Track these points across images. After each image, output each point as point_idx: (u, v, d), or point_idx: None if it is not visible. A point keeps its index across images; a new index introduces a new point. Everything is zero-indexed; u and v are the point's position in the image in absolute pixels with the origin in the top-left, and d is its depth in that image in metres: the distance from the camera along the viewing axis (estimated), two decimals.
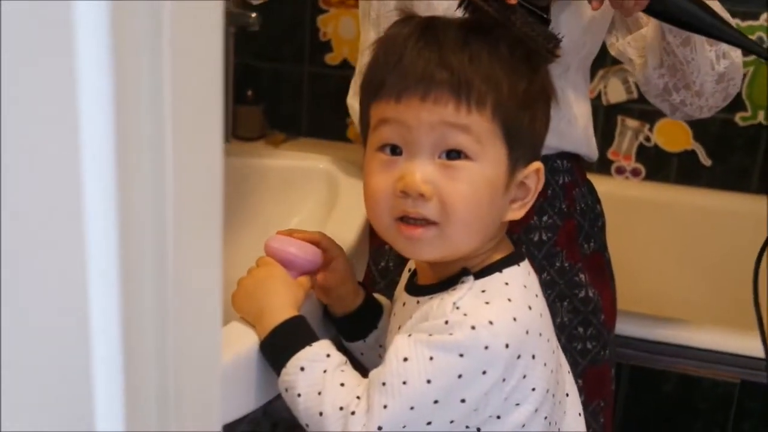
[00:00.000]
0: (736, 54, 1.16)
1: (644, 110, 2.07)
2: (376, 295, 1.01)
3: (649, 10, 1.04)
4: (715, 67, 1.13)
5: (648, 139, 2.12)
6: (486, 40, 0.83)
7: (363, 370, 0.96)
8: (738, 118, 2.04)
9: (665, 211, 2.09)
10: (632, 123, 2.12)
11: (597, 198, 1.26)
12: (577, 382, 0.96)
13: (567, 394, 0.91)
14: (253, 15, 1.91)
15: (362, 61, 1.21)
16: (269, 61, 2.21)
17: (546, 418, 0.85)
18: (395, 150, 0.83)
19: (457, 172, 0.81)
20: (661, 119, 2.08)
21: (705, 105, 1.21)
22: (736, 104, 2.00)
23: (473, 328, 0.78)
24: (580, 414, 0.94)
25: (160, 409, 0.47)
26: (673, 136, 2.11)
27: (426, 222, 0.81)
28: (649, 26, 1.13)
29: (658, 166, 2.14)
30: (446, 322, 0.79)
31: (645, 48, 1.20)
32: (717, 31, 1.04)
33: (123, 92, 0.41)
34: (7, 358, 0.43)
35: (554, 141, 1.13)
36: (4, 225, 0.41)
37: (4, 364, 0.42)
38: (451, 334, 0.78)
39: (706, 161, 2.10)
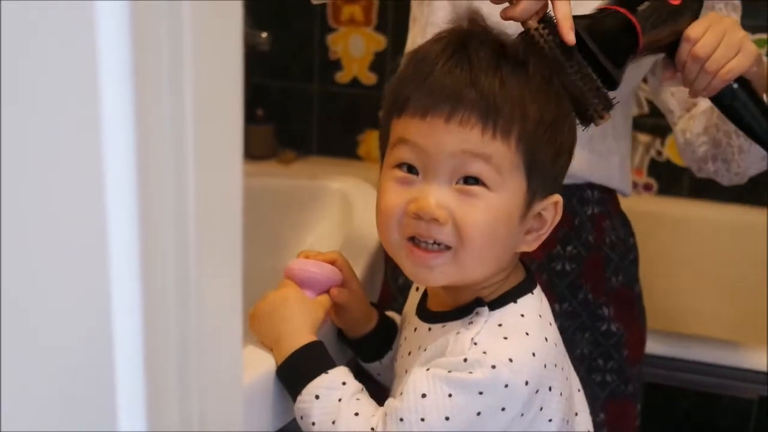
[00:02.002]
0: None
1: (655, 125, 2.06)
2: (390, 314, 1.00)
3: (716, 100, 1.02)
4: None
5: (659, 153, 2.12)
6: (519, 66, 0.80)
7: (381, 388, 0.95)
8: None
9: (678, 226, 2.08)
10: (644, 138, 2.11)
11: (631, 231, 1.23)
12: (598, 416, 0.94)
13: (576, 414, 0.89)
14: (264, 35, 1.91)
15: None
16: (279, 80, 2.22)
17: None
18: (412, 169, 0.81)
19: (473, 199, 0.79)
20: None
21: (738, 179, 1.20)
22: None
23: (494, 367, 0.76)
24: None
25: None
26: None
27: (439, 246, 0.80)
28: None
29: (671, 180, 2.13)
30: (465, 360, 0.77)
31: (688, 102, 1.19)
32: None
33: (144, 117, 0.41)
34: (30, 387, 0.42)
35: (586, 172, 1.12)
36: (27, 248, 0.41)
37: (29, 396, 0.42)
38: (471, 372, 0.77)
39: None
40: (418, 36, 1.16)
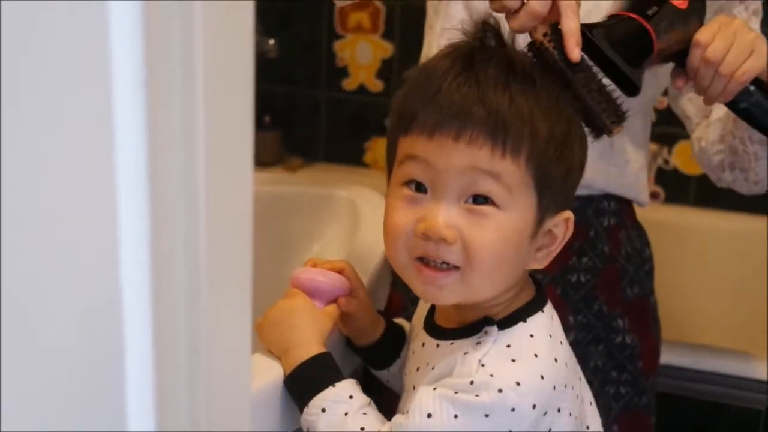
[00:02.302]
0: None
1: (663, 133, 2.06)
2: (399, 321, 1.00)
3: (732, 105, 0.99)
4: None
5: (666, 162, 2.11)
6: (528, 82, 0.79)
7: (390, 395, 0.95)
8: None
9: (685, 234, 2.07)
10: (651, 146, 2.10)
11: (647, 241, 1.22)
12: (611, 428, 0.93)
13: (588, 427, 0.89)
14: (271, 42, 1.92)
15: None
16: (286, 87, 2.22)
17: None
18: (420, 187, 0.80)
19: (482, 219, 0.78)
20: (680, 142, 2.06)
21: (758, 189, 1.18)
22: None
23: (500, 390, 0.76)
24: None
25: None
26: (691, 159, 2.09)
27: (447, 266, 0.79)
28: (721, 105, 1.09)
29: (677, 188, 2.12)
30: (472, 383, 0.76)
31: (706, 109, 1.17)
32: None
33: (155, 123, 0.41)
34: (40, 389, 0.42)
35: (602, 183, 1.11)
36: (39, 251, 0.41)
37: (39, 398, 0.42)
38: (477, 395, 0.76)
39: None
40: (434, 42, 1.15)
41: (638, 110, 1.13)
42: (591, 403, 0.91)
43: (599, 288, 1.14)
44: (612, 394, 1.16)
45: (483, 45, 0.82)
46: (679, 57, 0.97)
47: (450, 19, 1.10)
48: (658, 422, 1.56)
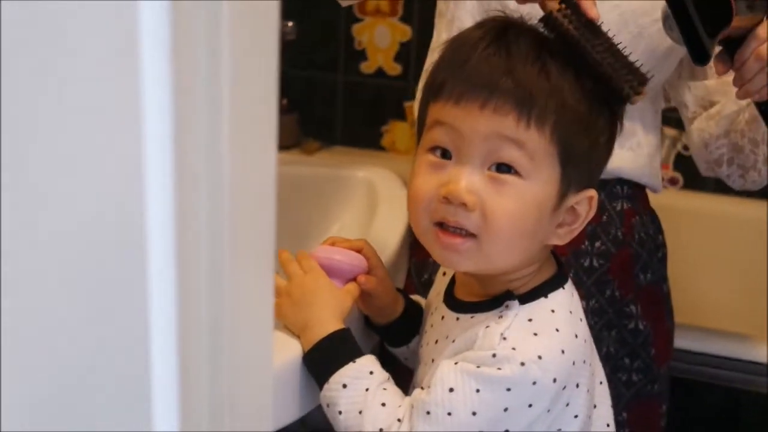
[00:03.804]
0: None
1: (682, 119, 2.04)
2: (416, 298, 1.00)
3: (762, 105, 0.99)
4: None
5: (686, 147, 2.10)
6: (560, 56, 0.79)
7: (406, 372, 0.95)
8: None
9: (704, 221, 2.06)
10: (670, 131, 2.09)
11: (660, 228, 1.22)
12: (621, 415, 0.93)
13: (595, 406, 0.89)
14: (290, 24, 1.91)
15: (430, 60, 1.19)
16: (304, 70, 2.22)
17: None
18: (446, 154, 0.80)
19: (504, 187, 0.78)
20: None
21: (751, 187, 1.19)
22: None
23: (523, 364, 0.76)
24: (608, 425, 0.92)
25: (214, 414, 0.47)
26: None
27: (464, 233, 0.79)
28: (736, 100, 1.08)
29: (696, 174, 2.10)
30: (494, 355, 0.77)
31: (705, 101, 1.17)
32: None
33: (182, 106, 0.41)
34: (72, 361, 0.43)
35: (615, 167, 1.10)
36: (66, 233, 0.41)
37: (69, 366, 0.43)
38: (499, 368, 0.77)
39: None
40: (443, 31, 1.16)
41: (649, 94, 1.13)
42: (601, 383, 0.91)
43: (612, 273, 1.14)
44: (624, 381, 1.15)
45: (515, 20, 0.82)
46: (731, 44, 0.96)
47: (460, 7, 1.11)
48: (677, 408, 1.56)
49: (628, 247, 1.15)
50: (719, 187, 2.08)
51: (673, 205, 2.07)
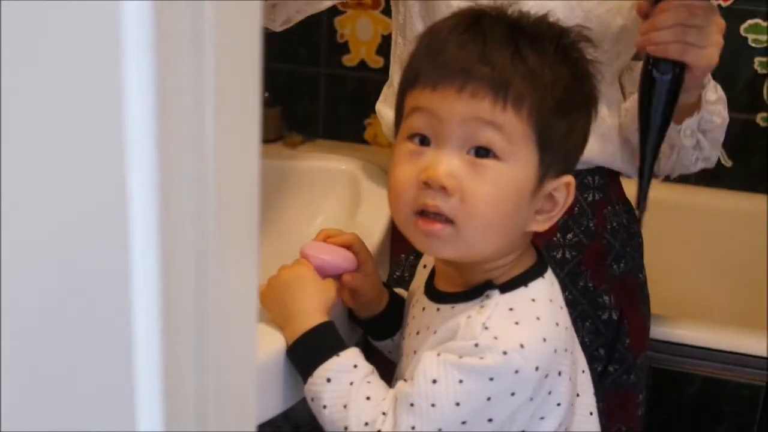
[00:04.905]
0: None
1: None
2: (399, 291, 1.00)
3: (646, 66, 0.99)
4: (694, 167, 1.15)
5: None
6: (534, 41, 0.80)
7: (391, 365, 0.95)
8: (759, 118, 2.03)
9: (686, 213, 2.07)
10: None
11: (634, 216, 1.22)
12: (597, 405, 0.94)
13: (578, 395, 0.90)
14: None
15: (394, 68, 1.19)
16: (286, 63, 2.21)
17: (567, 427, 0.85)
18: (424, 140, 0.80)
19: (484, 171, 0.78)
20: None
21: (674, 175, 1.20)
22: (758, 105, 1.99)
23: (505, 353, 0.77)
24: (591, 413, 0.92)
25: (199, 409, 0.47)
26: None
27: (443, 219, 0.79)
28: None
29: None
30: (476, 345, 0.77)
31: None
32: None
33: (165, 100, 0.41)
34: (50, 359, 0.42)
35: (586, 156, 1.11)
36: (49, 228, 0.41)
37: (50, 364, 0.42)
38: (481, 358, 0.77)
39: (727, 162, 2.08)
40: (398, 36, 1.16)
41: (613, 77, 1.14)
42: (583, 371, 0.91)
43: (585, 264, 1.14)
44: (599, 372, 1.16)
45: (488, 9, 0.83)
46: None
47: (409, 9, 1.12)
48: (657, 398, 1.58)
49: (600, 238, 1.16)
50: (702, 179, 2.10)
51: (656, 197, 2.06)
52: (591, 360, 1.14)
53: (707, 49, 0.97)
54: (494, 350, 0.77)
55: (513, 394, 0.78)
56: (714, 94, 1.09)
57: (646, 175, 1.03)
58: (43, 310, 0.42)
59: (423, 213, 0.80)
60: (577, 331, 1.13)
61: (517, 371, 0.77)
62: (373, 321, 0.96)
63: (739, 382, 1.52)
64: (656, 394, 1.57)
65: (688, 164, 1.16)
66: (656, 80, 0.98)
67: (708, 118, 1.10)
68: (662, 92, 0.98)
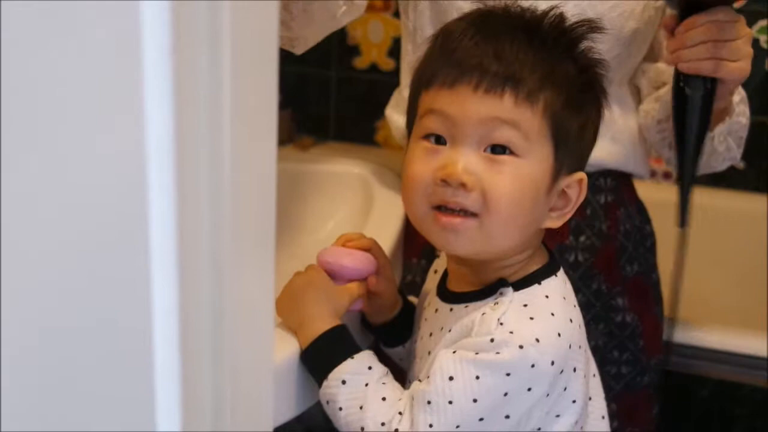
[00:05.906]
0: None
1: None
2: (412, 298, 1.00)
3: (677, 79, 0.99)
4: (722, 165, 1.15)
5: None
6: (546, 38, 0.80)
7: (402, 372, 0.95)
8: None
9: (697, 215, 2.05)
10: None
11: (647, 217, 1.22)
12: (611, 407, 0.94)
13: (590, 398, 0.90)
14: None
15: (405, 75, 1.19)
16: (297, 66, 2.21)
17: (582, 427, 0.85)
18: (439, 140, 0.81)
19: (501, 166, 0.79)
20: None
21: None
22: None
23: (521, 347, 0.77)
24: (603, 417, 0.92)
25: (216, 413, 0.47)
26: None
27: (465, 213, 0.79)
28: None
29: None
30: (492, 340, 0.77)
31: (658, 81, 1.17)
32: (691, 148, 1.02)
33: (183, 102, 0.41)
34: (72, 362, 0.43)
35: (598, 158, 1.11)
36: (69, 234, 0.41)
37: (70, 366, 0.43)
38: (498, 353, 0.77)
39: (738, 164, 2.07)
40: (408, 43, 1.16)
41: (622, 79, 1.14)
42: (594, 375, 0.91)
43: (598, 266, 1.14)
44: (613, 375, 1.16)
45: (497, 8, 0.84)
46: (689, 8, 0.97)
47: (420, 16, 1.11)
48: (670, 401, 1.57)
49: (613, 240, 1.16)
50: (713, 180, 2.09)
51: (667, 199, 2.06)
52: (604, 362, 1.14)
53: (739, 62, 0.97)
54: (510, 345, 0.77)
55: (529, 389, 0.78)
56: (737, 95, 1.10)
57: (686, 190, 1.04)
58: (64, 315, 0.42)
59: (441, 208, 0.80)
60: (590, 334, 1.13)
61: (533, 365, 0.77)
62: (386, 327, 0.97)
63: (753, 385, 1.51)
64: (668, 397, 1.56)
65: (716, 165, 1.16)
66: (689, 97, 0.98)
67: (736, 120, 1.10)
68: (695, 108, 0.99)
